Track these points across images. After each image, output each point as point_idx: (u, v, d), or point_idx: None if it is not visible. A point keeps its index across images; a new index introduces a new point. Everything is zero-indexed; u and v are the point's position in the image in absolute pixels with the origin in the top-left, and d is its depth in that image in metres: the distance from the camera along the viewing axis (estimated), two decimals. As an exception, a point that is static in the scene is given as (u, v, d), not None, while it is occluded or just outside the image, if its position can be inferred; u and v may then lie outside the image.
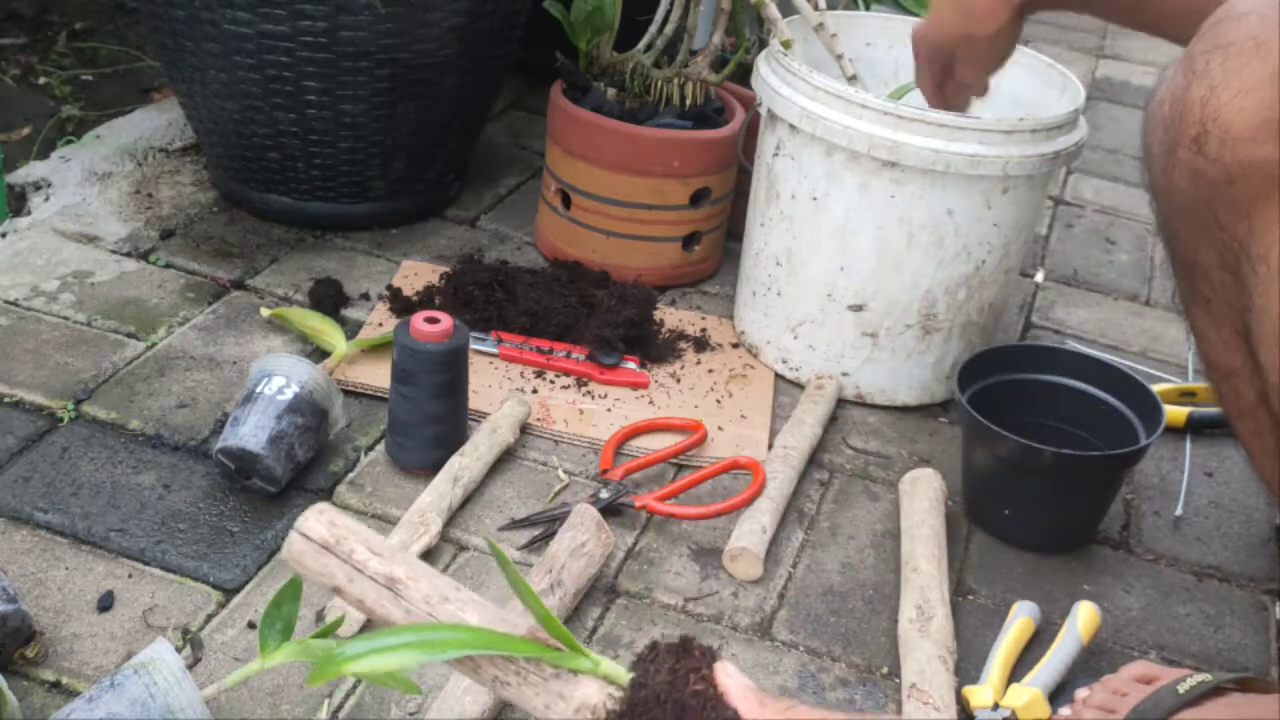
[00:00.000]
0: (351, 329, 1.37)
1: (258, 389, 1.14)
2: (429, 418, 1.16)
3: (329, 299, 1.40)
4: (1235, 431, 0.94)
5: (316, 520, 0.68)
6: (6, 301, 1.35)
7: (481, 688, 0.92)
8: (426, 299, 1.41)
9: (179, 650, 0.96)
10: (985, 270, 1.31)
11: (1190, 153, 0.80)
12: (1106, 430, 1.23)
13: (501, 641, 0.66)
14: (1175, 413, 1.39)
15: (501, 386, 1.31)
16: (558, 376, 1.34)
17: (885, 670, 1.05)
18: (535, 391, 1.31)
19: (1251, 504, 1.32)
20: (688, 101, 1.48)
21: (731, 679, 0.66)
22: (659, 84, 1.48)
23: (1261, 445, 0.92)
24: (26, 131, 1.75)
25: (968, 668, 1.05)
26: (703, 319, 1.49)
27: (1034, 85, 1.42)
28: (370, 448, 1.21)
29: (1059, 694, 1.03)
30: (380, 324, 1.38)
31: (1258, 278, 0.81)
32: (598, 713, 0.65)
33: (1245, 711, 0.86)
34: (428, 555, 1.07)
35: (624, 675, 0.67)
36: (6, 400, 1.21)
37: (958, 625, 1.08)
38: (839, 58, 1.38)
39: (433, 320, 1.14)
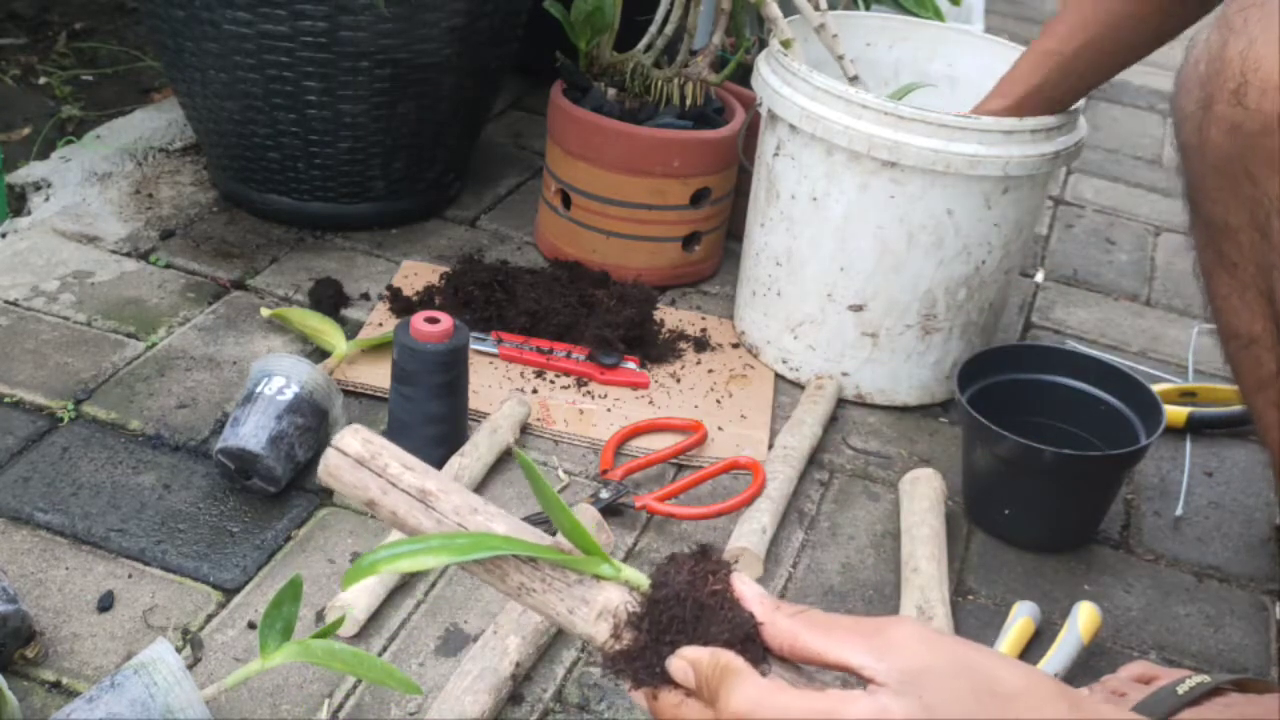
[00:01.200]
0: (351, 329, 1.37)
1: (258, 389, 1.14)
2: (429, 418, 1.16)
3: (329, 299, 1.40)
4: (1251, 406, 0.94)
5: (352, 437, 0.71)
6: (6, 301, 1.35)
7: (480, 687, 0.92)
8: (426, 299, 1.41)
9: (179, 650, 0.96)
10: (985, 270, 1.31)
11: (1229, 105, 0.79)
12: (1106, 430, 1.23)
13: (527, 547, 0.68)
14: (1175, 413, 1.39)
15: (501, 386, 1.31)
16: (558, 376, 1.34)
17: (885, 670, 1.04)
18: (535, 391, 1.31)
19: (1251, 504, 1.32)
20: (688, 101, 1.48)
21: (747, 586, 0.68)
22: (659, 84, 1.48)
23: (1278, 416, 0.91)
24: (26, 131, 1.75)
25: (968, 668, 1.04)
26: (703, 319, 1.49)
27: (1034, 85, 1.42)
28: (370, 448, 1.21)
29: (1059, 694, 1.03)
30: (380, 324, 1.38)
31: None
32: (619, 615, 0.67)
33: (1245, 712, 0.86)
34: (428, 555, 1.07)
35: (645, 581, 0.69)
36: (6, 400, 1.21)
37: (958, 625, 1.08)
38: (840, 58, 1.38)
39: (433, 320, 1.14)
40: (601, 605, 0.68)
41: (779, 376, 1.40)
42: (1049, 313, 1.64)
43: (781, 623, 0.66)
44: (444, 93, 1.51)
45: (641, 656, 0.67)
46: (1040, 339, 1.56)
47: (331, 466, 0.71)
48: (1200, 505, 1.31)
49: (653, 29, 1.50)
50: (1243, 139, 0.79)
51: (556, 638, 1.02)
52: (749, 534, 1.12)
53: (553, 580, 0.69)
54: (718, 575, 0.67)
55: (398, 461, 0.71)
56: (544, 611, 0.69)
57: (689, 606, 0.66)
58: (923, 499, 1.17)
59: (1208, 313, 0.95)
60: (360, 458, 0.71)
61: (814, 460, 1.28)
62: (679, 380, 1.37)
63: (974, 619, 1.11)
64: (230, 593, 1.03)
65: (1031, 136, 1.23)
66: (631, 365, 1.36)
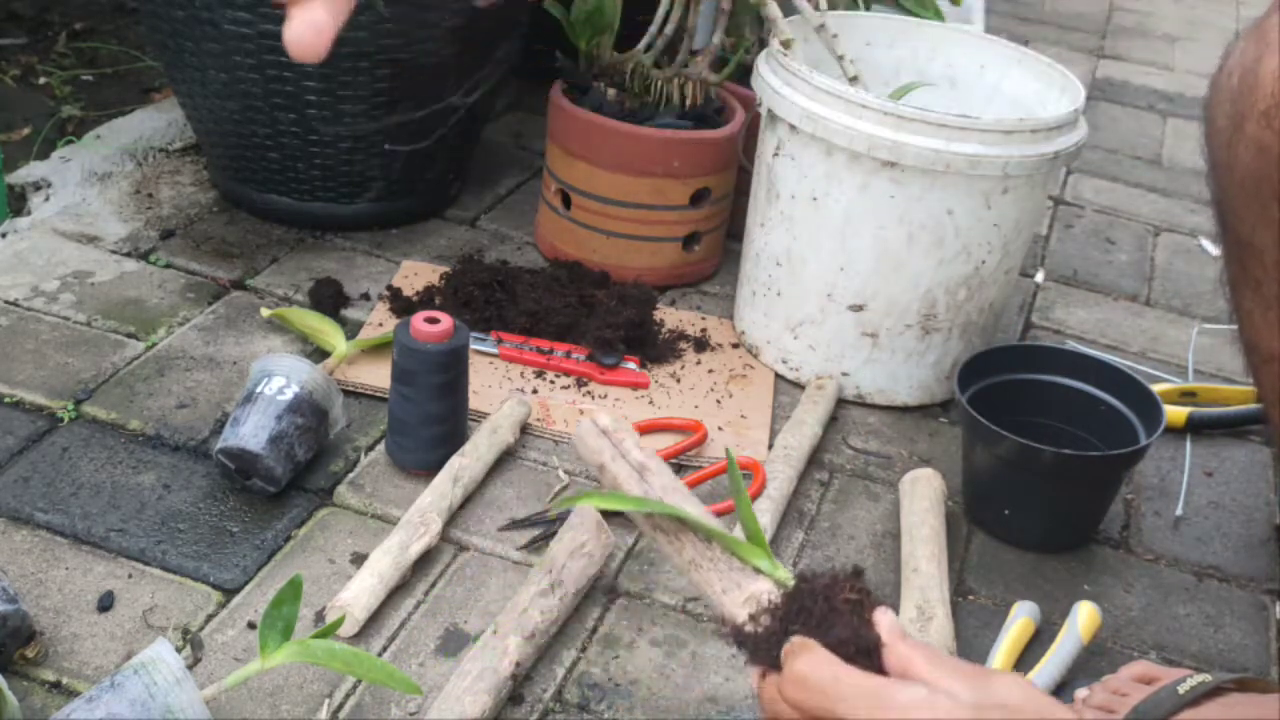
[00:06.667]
0: (351, 329, 1.37)
1: (258, 389, 1.14)
2: (429, 418, 1.16)
3: (329, 299, 1.40)
4: (1269, 417, 0.93)
5: (606, 415, 0.86)
6: (6, 301, 1.35)
7: (480, 687, 0.92)
8: (426, 299, 1.41)
9: (179, 650, 0.96)
10: (985, 270, 1.31)
11: (1259, 127, 0.78)
12: (1106, 430, 1.23)
13: (707, 527, 0.80)
14: (1175, 413, 1.39)
15: (501, 386, 1.31)
16: (558, 376, 1.34)
17: (885, 670, 1.04)
18: (535, 391, 1.31)
19: (1251, 504, 1.32)
20: (688, 101, 1.48)
21: (885, 615, 0.72)
22: (659, 84, 1.48)
23: None
24: (26, 131, 1.75)
25: (968, 668, 1.05)
26: (703, 319, 1.49)
27: (1034, 85, 1.42)
28: (370, 448, 1.21)
29: (1059, 694, 1.03)
30: (380, 324, 1.38)
31: None
32: (760, 603, 0.76)
33: (1245, 712, 0.86)
34: (428, 556, 1.07)
35: (793, 581, 0.77)
36: (6, 400, 1.21)
37: (958, 625, 1.08)
38: (840, 58, 1.38)
39: (433, 320, 1.14)
40: (750, 592, 0.77)
41: (779, 376, 1.40)
42: (1049, 313, 1.64)
43: (901, 647, 0.70)
44: (444, 93, 1.51)
45: (766, 641, 0.74)
46: (1040, 339, 1.56)
47: (585, 430, 0.85)
48: (1200, 505, 1.31)
49: (653, 29, 1.50)
50: (1272, 161, 0.78)
51: (556, 638, 1.02)
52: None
53: (718, 561, 0.79)
54: (858, 589, 0.74)
55: (632, 440, 0.85)
56: (701, 586, 0.80)
57: (820, 603, 0.73)
58: (923, 499, 1.17)
59: (1233, 320, 0.93)
60: (606, 429, 0.85)
61: (814, 460, 1.28)
62: (679, 380, 1.37)
63: (974, 619, 1.11)
64: (230, 593, 1.03)
65: (1031, 136, 1.23)
66: (631, 365, 1.36)
